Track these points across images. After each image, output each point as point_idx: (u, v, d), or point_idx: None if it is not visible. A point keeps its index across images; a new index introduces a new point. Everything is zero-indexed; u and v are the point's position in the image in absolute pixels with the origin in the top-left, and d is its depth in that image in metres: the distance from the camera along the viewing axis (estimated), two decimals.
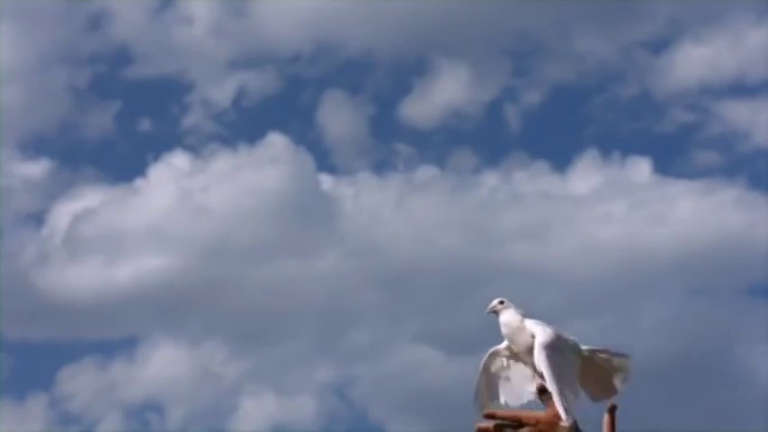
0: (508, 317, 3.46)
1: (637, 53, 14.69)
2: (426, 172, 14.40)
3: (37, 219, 14.04)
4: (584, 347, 3.32)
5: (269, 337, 13.29)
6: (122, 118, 14.48)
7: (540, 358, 3.18)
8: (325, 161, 14.49)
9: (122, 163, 14.89)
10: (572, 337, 3.26)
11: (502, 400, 3.46)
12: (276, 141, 14.32)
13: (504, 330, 3.45)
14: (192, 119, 14.52)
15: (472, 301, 12.69)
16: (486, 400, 3.44)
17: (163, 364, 13.05)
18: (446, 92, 14.40)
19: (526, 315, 3.40)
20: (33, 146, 14.44)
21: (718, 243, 13.33)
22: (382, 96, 14.80)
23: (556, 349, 3.21)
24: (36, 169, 14.12)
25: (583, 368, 3.38)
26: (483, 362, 3.48)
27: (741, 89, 14.47)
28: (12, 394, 12.75)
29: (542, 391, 2.68)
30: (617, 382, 3.35)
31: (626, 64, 14.60)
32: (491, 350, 3.39)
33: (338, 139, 14.59)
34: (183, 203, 13.89)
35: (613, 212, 13.60)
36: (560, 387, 3.12)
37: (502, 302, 3.49)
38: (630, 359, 3.37)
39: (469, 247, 13.55)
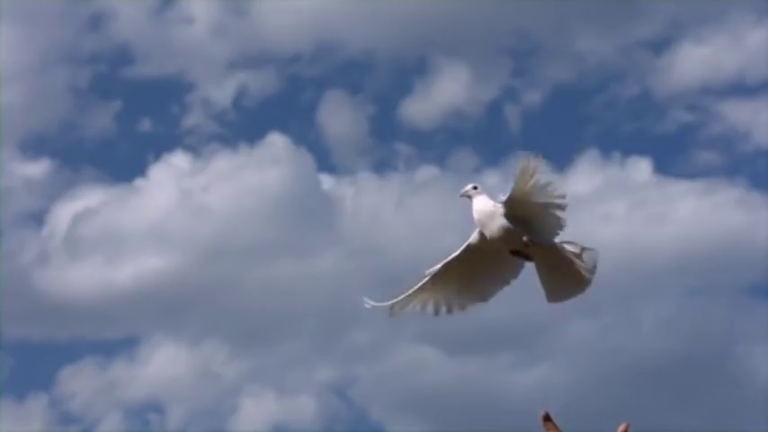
0: (481, 203, 3.47)
1: (637, 53, 14.69)
2: (426, 172, 14.39)
3: (37, 219, 14.04)
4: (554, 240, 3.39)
5: (269, 337, 13.29)
6: (122, 118, 14.48)
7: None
8: (325, 161, 14.50)
9: (122, 163, 14.87)
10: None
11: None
12: (276, 141, 14.33)
13: (476, 216, 3.46)
14: (192, 119, 14.53)
15: None
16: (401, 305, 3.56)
17: (163, 364, 13.05)
18: (446, 92, 14.39)
19: (499, 202, 3.41)
20: (33, 146, 14.45)
21: (718, 243, 13.33)
22: (382, 96, 14.81)
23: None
24: (36, 169, 14.13)
25: (552, 259, 3.42)
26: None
27: (742, 89, 14.47)
28: (12, 394, 12.75)
29: (546, 419, 2.63)
30: (585, 272, 3.42)
31: (626, 64, 14.60)
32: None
33: (338, 139, 14.59)
34: (183, 203, 13.89)
35: (613, 212, 13.60)
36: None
37: (476, 188, 3.51)
38: (597, 251, 3.44)
39: None
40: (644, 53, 14.68)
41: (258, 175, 14.15)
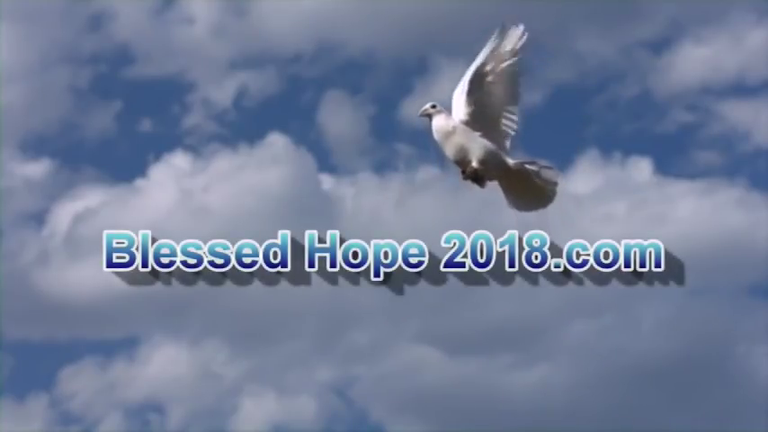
0: (440, 122, 3.51)
1: (637, 53, 14.70)
2: (426, 172, 14.39)
3: (37, 219, 14.02)
4: (511, 161, 3.45)
5: (269, 337, 13.28)
6: (123, 118, 14.48)
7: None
8: (325, 161, 14.49)
9: (123, 163, 14.86)
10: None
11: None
12: (276, 141, 14.33)
13: (435, 136, 3.51)
14: (192, 119, 14.54)
15: (472, 301, 12.70)
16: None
17: (163, 364, 13.05)
18: (446, 92, 14.37)
19: (458, 123, 3.45)
20: (34, 146, 14.44)
21: (718, 243, 13.32)
22: (382, 96, 14.80)
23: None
24: (37, 169, 14.12)
25: (514, 178, 3.49)
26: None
27: (742, 89, 14.47)
28: (12, 394, 12.75)
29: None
30: (547, 186, 3.49)
31: (626, 64, 14.60)
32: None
33: (338, 139, 14.59)
34: (183, 203, 13.89)
35: (613, 212, 13.59)
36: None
37: (434, 107, 3.57)
38: (558, 173, 3.52)
39: None
40: (644, 53, 14.69)
41: (258, 175, 14.16)
